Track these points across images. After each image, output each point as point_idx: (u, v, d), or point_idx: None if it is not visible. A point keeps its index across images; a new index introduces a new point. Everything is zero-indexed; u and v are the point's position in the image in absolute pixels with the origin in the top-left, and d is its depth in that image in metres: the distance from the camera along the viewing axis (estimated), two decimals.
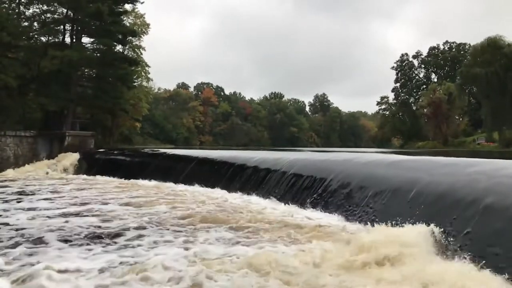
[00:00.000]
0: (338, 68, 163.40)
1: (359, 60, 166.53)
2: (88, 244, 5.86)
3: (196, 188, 12.54)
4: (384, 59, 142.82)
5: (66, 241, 6.06)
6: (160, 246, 5.79)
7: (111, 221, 7.59)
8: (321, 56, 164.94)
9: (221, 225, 7.24)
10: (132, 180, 15.50)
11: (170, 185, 13.84)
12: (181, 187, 13.28)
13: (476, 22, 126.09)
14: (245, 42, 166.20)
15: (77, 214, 8.35)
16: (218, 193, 11.33)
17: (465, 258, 4.63)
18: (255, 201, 9.83)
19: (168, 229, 6.93)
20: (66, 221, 7.52)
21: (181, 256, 5.19)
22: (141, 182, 15.05)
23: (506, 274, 4.20)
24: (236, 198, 10.44)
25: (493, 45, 42.99)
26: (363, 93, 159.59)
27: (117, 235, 6.51)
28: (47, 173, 19.44)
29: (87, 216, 8.15)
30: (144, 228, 7.05)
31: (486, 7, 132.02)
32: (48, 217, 8.02)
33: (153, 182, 14.71)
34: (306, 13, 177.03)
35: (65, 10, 25.33)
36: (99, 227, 7.13)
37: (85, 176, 18.37)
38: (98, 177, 17.40)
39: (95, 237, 6.33)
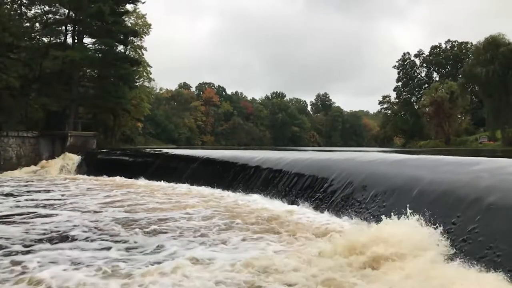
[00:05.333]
0: (345, 67, 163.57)
1: (365, 59, 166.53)
2: None
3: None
4: (391, 59, 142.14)
5: None
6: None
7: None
8: (329, 55, 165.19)
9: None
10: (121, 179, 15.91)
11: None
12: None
13: (489, 21, 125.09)
14: (254, 42, 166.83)
15: None
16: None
17: (466, 257, 4.61)
18: None
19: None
20: None
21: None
22: (139, 182, 15.32)
23: (505, 272, 4.18)
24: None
25: (493, 44, 42.80)
26: (368, 92, 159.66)
27: None
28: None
29: None
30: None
31: (499, 6, 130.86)
32: None
33: (146, 182, 15.06)
34: (316, 13, 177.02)
35: (67, 11, 25.37)
36: None
37: (78, 175, 18.78)
38: (92, 177, 17.74)
39: None
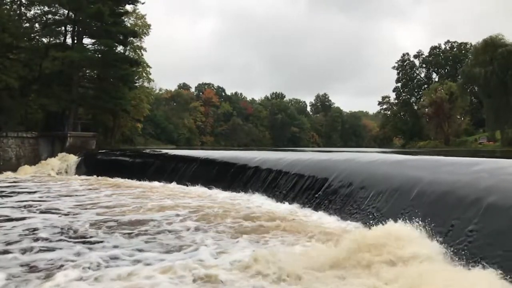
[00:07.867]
0: (345, 67, 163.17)
1: (366, 60, 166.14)
2: None
3: None
4: (391, 59, 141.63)
5: None
6: None
7: None
8: (329, 55, 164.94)
9: None
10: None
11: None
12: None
13: (489, 21, 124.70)
14: (254, 42, 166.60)
15: None
16: None
17: (466, 257, 4.61)
18: None
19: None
20: None
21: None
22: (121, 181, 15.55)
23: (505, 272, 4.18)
24: None
25: (492, 45, 42.85)
26: (368, 93, 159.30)
27: None
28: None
29: None
30: None
31: (500, 7, 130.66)
32: None
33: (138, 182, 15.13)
34: (317, 13, 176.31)
35: (66, 11, 25.36)
36: None
37: (76, 176, 18.87)
38: (90, 177, 17.84)
39: None
